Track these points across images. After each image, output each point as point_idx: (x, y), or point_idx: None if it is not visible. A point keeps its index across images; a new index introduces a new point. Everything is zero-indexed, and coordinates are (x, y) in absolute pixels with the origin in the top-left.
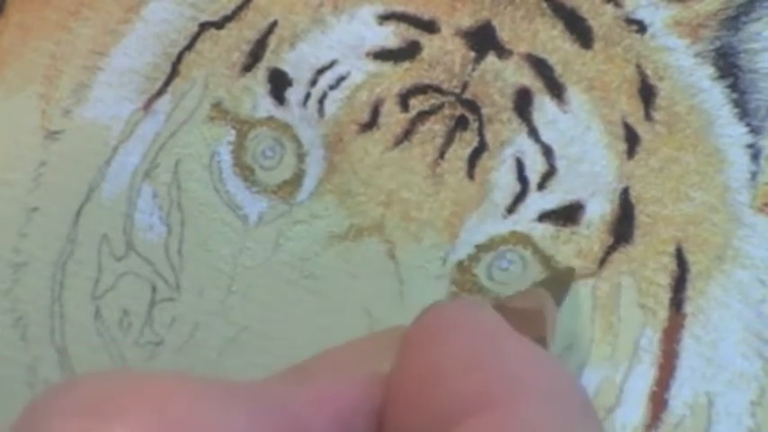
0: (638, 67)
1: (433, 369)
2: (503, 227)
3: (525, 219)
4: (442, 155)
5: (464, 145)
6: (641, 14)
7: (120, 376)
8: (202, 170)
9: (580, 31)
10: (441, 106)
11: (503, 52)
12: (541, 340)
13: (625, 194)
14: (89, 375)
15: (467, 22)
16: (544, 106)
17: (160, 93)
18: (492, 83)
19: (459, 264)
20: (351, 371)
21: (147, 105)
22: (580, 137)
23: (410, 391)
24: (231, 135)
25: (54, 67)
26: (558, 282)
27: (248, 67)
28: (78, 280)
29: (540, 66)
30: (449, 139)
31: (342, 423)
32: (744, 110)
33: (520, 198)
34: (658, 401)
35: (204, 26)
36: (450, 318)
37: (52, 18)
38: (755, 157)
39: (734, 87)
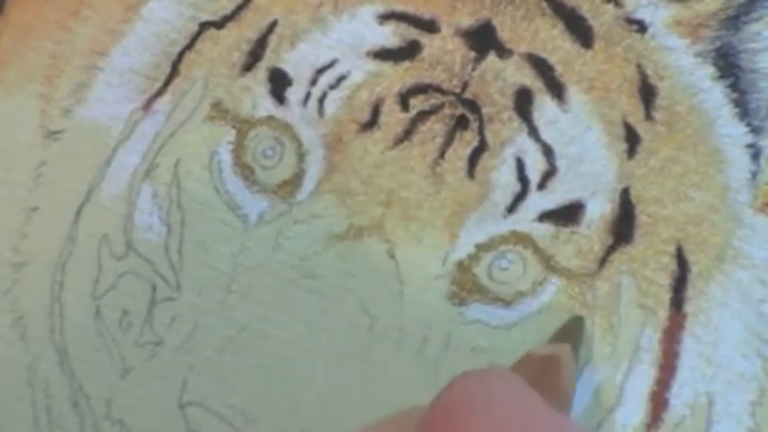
0: (639, 66)
1: None
2: (503, 226)
3: (525, 218)
4: (442, 154)
5: (464, 144)
6: (641, 14)
7: None
8: (202, 170)
9: (580, 30)
10: (441, 106)
11: (503, 52)
12: (560, 385)
13: (625, 194)
14: None
15: (467, 21)
16: (544, 106)
17: (160, 92)
18: (492, 82)
19: (460, 263)
20: None
21: (147, 105)
22: (580, 136)
23: None
24: (231, 135)
25: (54, 66)
26: (571, 331)
27: (248, 67)
28: (78, 280)
29: (540, 65)
30: (449, 139)
31: None
32: (744, 110)
33: (520, 198)
34: (659, 401)
35: (204, 26)
36: (479, 393)
37: (52, 17)
38: (756, 156)
39: (734, 87)
